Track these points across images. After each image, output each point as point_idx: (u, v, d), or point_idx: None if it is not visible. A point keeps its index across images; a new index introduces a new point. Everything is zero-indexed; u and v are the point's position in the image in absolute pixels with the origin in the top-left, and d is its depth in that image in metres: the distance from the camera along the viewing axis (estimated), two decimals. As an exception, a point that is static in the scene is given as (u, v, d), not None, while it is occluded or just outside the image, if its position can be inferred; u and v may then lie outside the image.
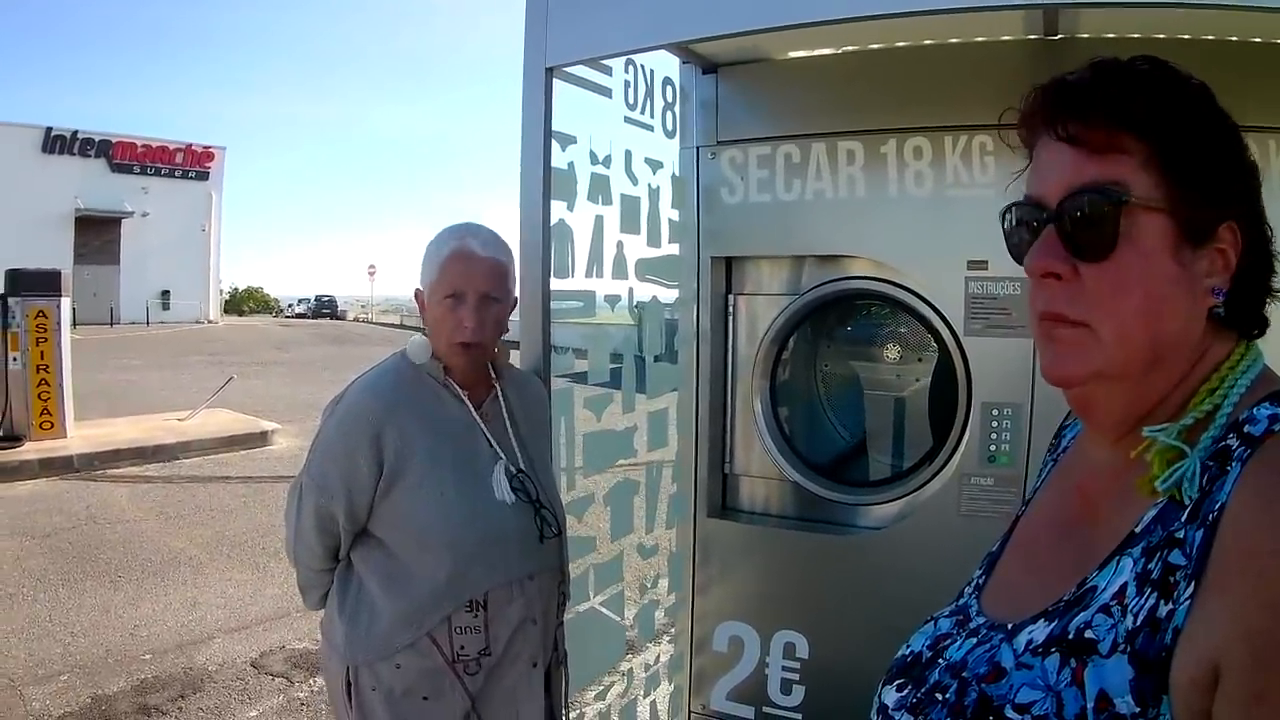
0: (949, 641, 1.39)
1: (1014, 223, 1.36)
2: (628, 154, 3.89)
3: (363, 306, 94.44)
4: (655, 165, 4.08)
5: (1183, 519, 1.13)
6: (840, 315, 4.46)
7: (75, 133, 61.47)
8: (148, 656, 7.21)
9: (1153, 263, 1.23)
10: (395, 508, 2.84)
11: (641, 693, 4.54)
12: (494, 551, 2.86)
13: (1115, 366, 1.25)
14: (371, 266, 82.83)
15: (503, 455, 2.97)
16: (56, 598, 8.59)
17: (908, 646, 1.48)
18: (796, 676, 4.02)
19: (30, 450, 14.62)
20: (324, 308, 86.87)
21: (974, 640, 1.35)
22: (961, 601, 1.50)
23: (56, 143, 60.61)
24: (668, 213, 4.19)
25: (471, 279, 2.86)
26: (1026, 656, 1.21)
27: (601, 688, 4.48)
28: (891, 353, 4.35)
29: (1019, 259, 1.34)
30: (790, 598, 4.07)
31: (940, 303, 3.70)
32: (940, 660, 1.36)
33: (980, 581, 1.52)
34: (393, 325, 67.04)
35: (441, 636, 2.81)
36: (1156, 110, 1.23)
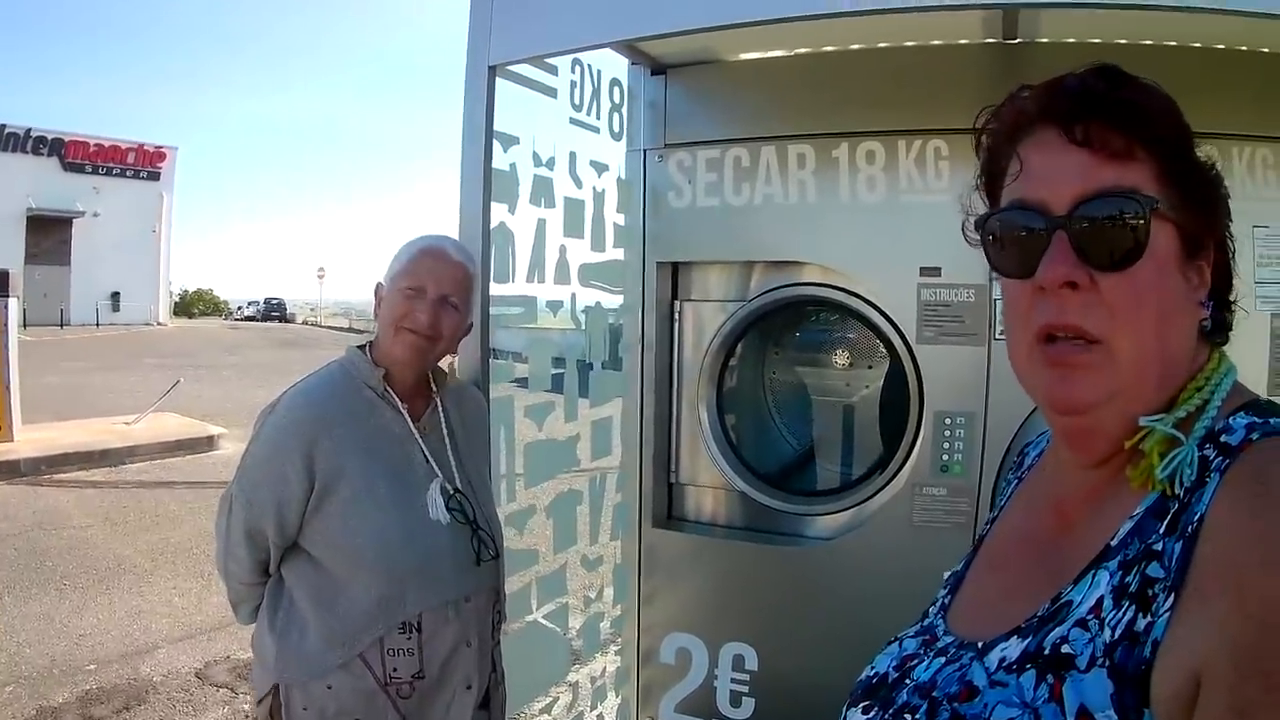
0: (915, 662, 1.35)
1: (1003, 231, 1.29)
2: (572, 156, 3.84)
3: (312, 309, 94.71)
4: (600, 168, 4.02)
5: (1161, 531, 1.10)
6: (789, 322, 4.40)
7: (29, 130, 60.99)
8: (92, 667, 7.11)
9: (1166, 275, 1.21)
10: (326, 524, 2.75)
11: (589, 705, 4.50)
12: (429, 573, 2.79)
13: (1130, 385, 1.21)
14: (320, 269, 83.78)
15: (439, 473, 2.89)
16: (2, 607, 8.49)
17: (872, 668, 1.42)
18: (746, 688, 3.95)
19: None
20: (273, 310, 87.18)
21: (943, 659, 1.30)
22: (927, 622, 1.46)
23: (10, 140, 60.08)
24: (613, 217, 4.12)
25: (437, 278, 2.83)
26: (1000, 674, 1.17)
27: (548, 700, 4.41)
28: (841, 359, 4.30)
29: (1006, 270, 1.28)
30: (738, 609, 4.00)
31: (892, 310, 3.64)
32: (907, 681, 1.31)
33: (945, 601, 1.48)
34: (341, 329, 66.85)
35: (374, 658, 2.73)
36: (1169, 123, 1.22)
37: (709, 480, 4.23)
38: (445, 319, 2.83)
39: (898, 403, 3.71)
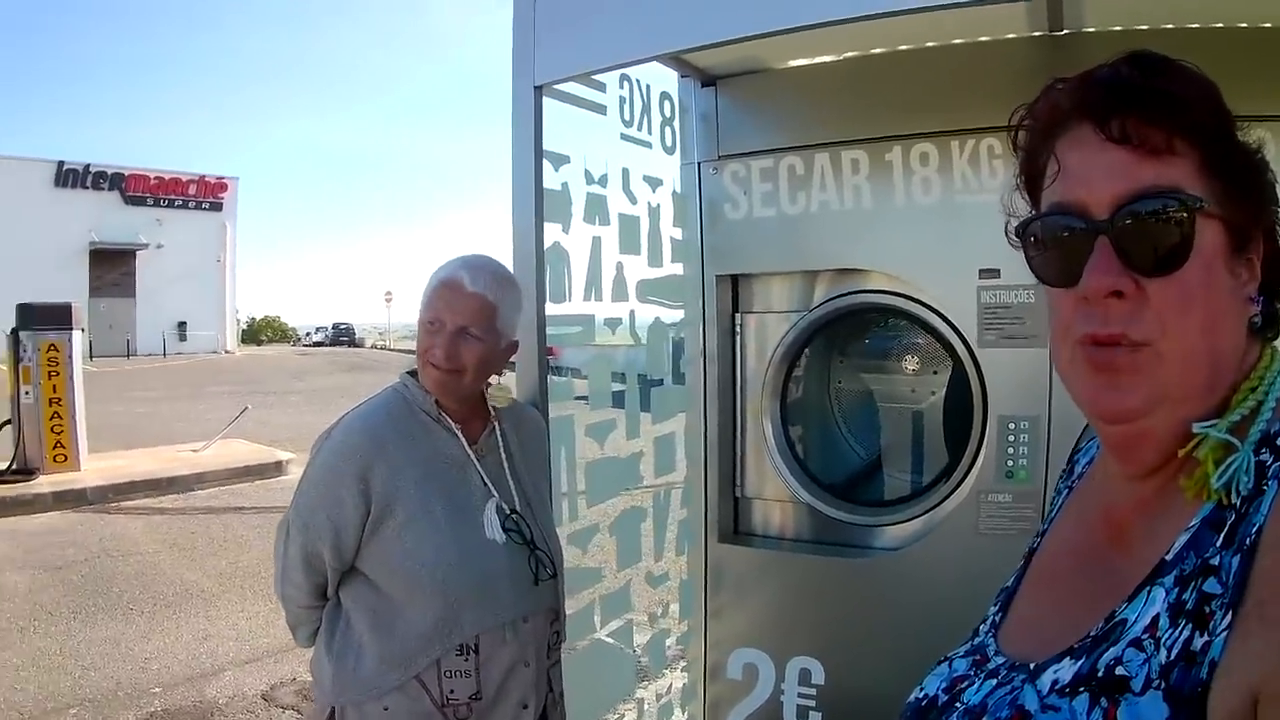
0: (966, 684, 1.29)
1: (1043, 235, 1.24)
2: (625, 172, 3.86)
3: (380, 333, 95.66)
4: (654, 183, 4.04)
5: (1218, 544, 1.05)
6: (853, 329, 4.37)
7: (88, 166, 62.33)
8: (158, 690, 7.19)
9: (1214, 274, 1.15)
10: (383, 547, 2.77)
11: (654, 722, 4.43)
12: (486, 594, 2.78)
13: (1178, 390, 1.15)
14: (388, 293, 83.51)
15: (495, 493, 2.89)
16: (68, 631, 8.59)
17: (921, 689, 1.37)
18: (813, 703, 3.90)
19: (44, 483, 14.64)
20: (341, 335, 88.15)
21: (993, 681, 1.24)
22: (977, 640, 1.40)
23: (69, 177, 61.49)
24: (669, 231, 4.13)
25: (451, 310, 2.80)
26: (1052, 698, 1.11)
27: (614, 717, 4.38)
28: (908, 365, 4.25)
29: (1047, 277, 1.23)
30: (805, 623, 3.96)
31: (952, 314, 3.59)
32: (958, 704, 1.26)
33: (996, 619, 1.42)
34: (410, 352, 67.47)
35: (430, 679, 2.73)
36: (1208, 109, 1.17)
37: (774, 493, 4.20)
38: (465, 351, 2.80)
39: (961, 408, 3.67)
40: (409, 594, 2.75)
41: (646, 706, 4.50)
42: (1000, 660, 1.29)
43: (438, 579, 2.72)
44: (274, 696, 7.01)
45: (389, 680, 2.72)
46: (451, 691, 2.74)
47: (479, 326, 2.81)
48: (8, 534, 12.43)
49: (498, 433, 3.00)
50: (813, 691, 3.90)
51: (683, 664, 4.80)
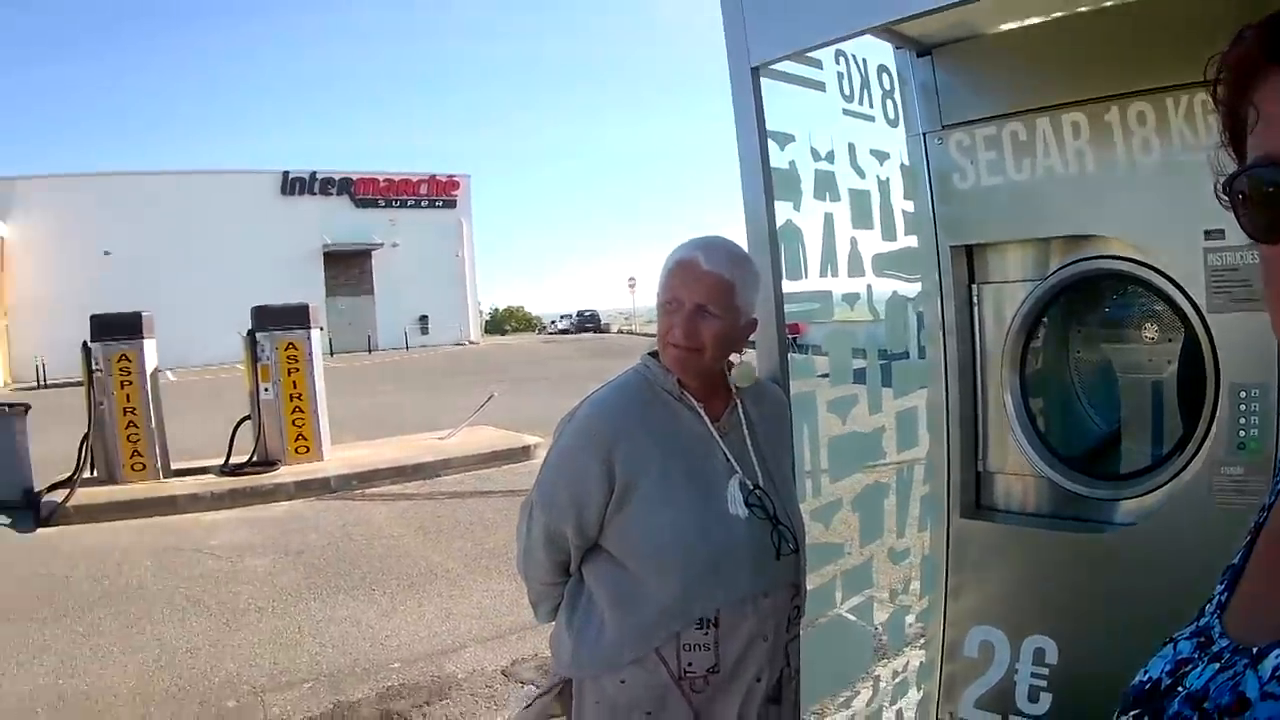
0: (1190, 667, 1.25)
1: (1249, 191, 1.20)
2: (851, 147, 3.85)
3: (625, 318, 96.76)
4: (882, 156, 4.02)
5: None
6: (1088, 297, 4.23)
7: (314, 174, 66.46)
8: (396, 665, 7.49)
9: None
10: (626, 524, 2.82)
11: (888, 700, 4.48)
12: (727, 569, 2.79)
13: None
14: (631, 278, 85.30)
15: (739, 469, 2.89)
16: (307, 611, 9.06)
17: (1145, 672, 1.34)
18: (1045, 683, 3.84)
19: (286, 473, 15.63)
20: (587, 322, 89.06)
21: (1216, 665, 1.21)
22: (1203, 621, 1.35)
23: (295, 184, 65.68)
24: (901, 204, 4.10)
25: (689, 289, 2.81)
26: (1273, 685, 1.07)
27: (848, 695, 4.38)
28: (1147, 332, 4.08)
29: (1257, 234, 1.20)
30: (1042, 600, 3.91)
31: (1181, 278, 3.45)
32: (1180, 689, 1.23)
33: (1223, 599, 1.37)
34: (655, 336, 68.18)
35: (669, 653, 2.77)
36: None
37: (1016, 467, 4.14)
38: (704, 328, 2.81)
39: (1194, 376, 3.53)
40: (651, 570, 2.80)
41: (882, 684, 4.53)
42: (1225, 643, 1.25)
43: (680, 555, 2.76)
44: (514, 672, 7.18)
45: (628, 654, 2.78)
46: (689, 665, 2.77)
47: (716, 304, 2.82)
48: (249, 521, 13.22)
49: (740, 410, 3.01)
50: (1045, 671, 3.84)
51: (921, 641, 4.76)
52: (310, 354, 16.73)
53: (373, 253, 66.61)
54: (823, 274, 3.70)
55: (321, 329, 17.87)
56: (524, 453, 17.08)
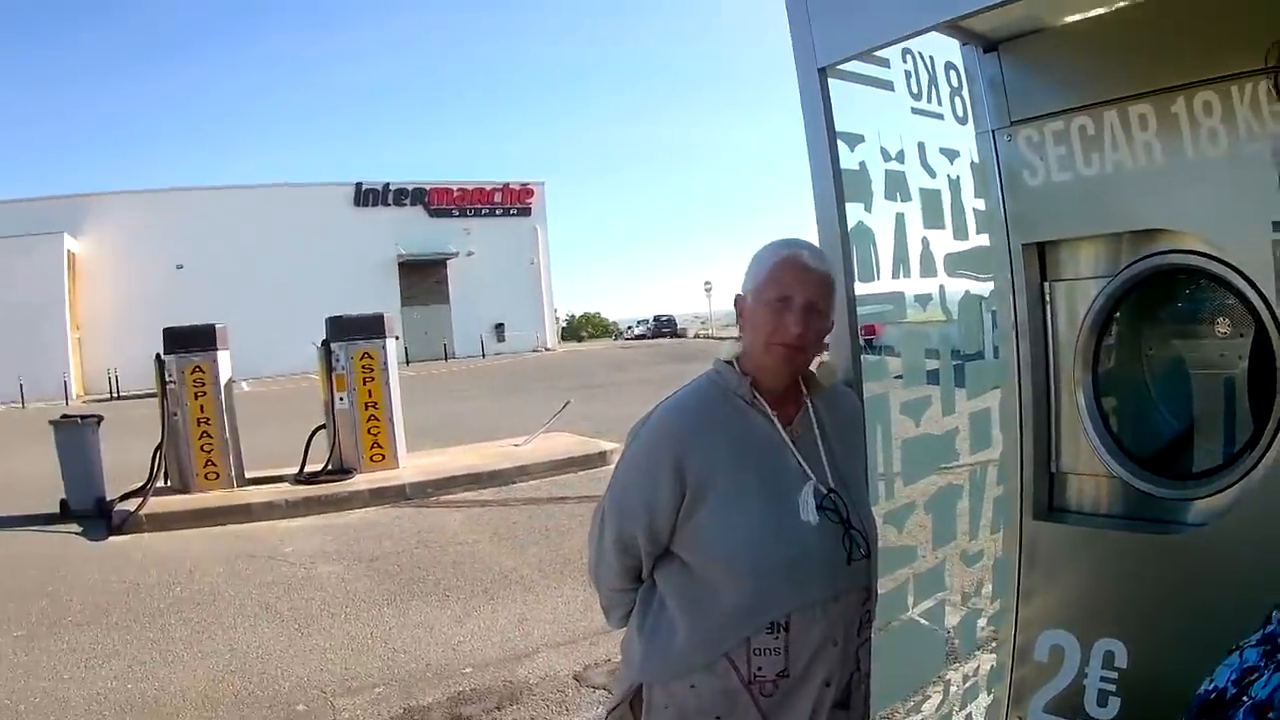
0: (1255, 676, 1.23)
1: None
2: (920, 146, 3.82)
3: (702, 323, 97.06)
4: (951, 154, 3.98)
5: None
6: (1160, 293, 4.13)
7: (387, 185, 67.90)
8: (468, 670, 7.56)
9: None
10: (698, 530, 2.82)
11: (958, 705, 4.45)
12: (799, 574, 2.78)
13: None
14: (708, 282, 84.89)
15: (812, 475, 2.88)
16: (380, 617, 9.17)
17: (1211, 681, 1.31)
18: (1113, 687, 3.77)
19: (361, 481, 15.85)
20: (663, 327, 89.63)
21: None
22: (1269, 629, 1.32)
23: (369, 196, 67.17)
24: (971, 202, 4.06)
25: (803, 286, 2.80)
26: None
27: (917, 700, 4.36)
28: (1220, 328, 3.98)
29: None
30: (1113, 603, 3.84)
31: (1251, 270, 3.38)
32: (1245, 698, 1.19)
33: None
34: (734, 339, 68.73)
35: (739, 657, 2.77)
36: None
37: (1088, 468, 4.08)
38: (813, 326, 2.81)
39: (1266, 372, 3.46)
40: (722, 575, 2.79)
41: (953, 689, 4.50)
42: None
43: (751, 560, 2.75)
44: (585, 677, 7.21)
45: (698, 659, 2.79)
46: (759, 669, 2.77)
47: (823, 302, 2.85)
48: (323, 529, 13.44)
49: (812, 412, 3.00)
50: (1114, 675, 3.78)
51: (992, 645, 4.75)
52: (385, 363, 17.01)
53: (448, 261, 67.58)
54: (895, 275, 3.67)
55: (397, 338, 18.21)
56: (600, 459, 17.09)
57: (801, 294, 2.78)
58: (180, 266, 58.69)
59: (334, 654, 8.12)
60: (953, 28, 3.79)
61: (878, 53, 3.53)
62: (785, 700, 2.79)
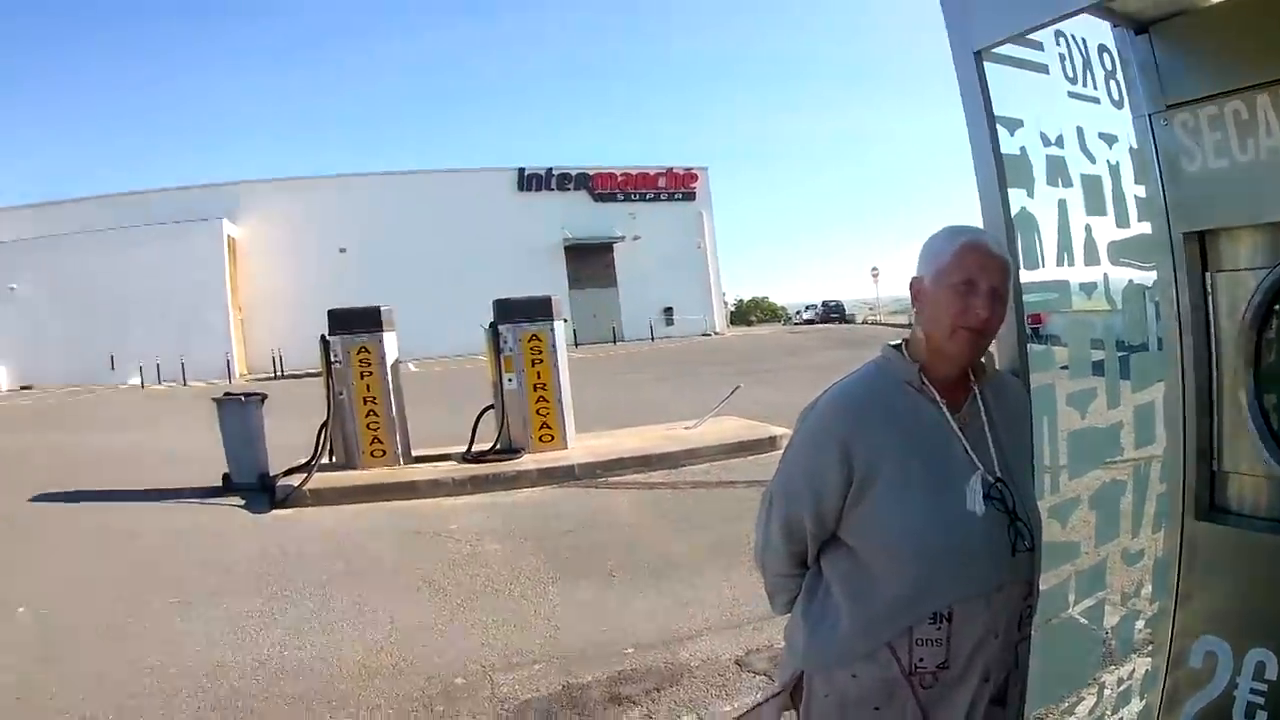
0: None
1: None
2: (1079, 131, 3.78)
3: (870, 308, 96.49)
4: (1110, 139, 3.92)
5: None
6: None
7: (550, 170, 69.11)
8: (630, 650, 7.64)
9: None
10: (864, 516, 2.85)
11: (1110, 709, 4.37)
12: (962, 563, 2.79)
13: None
14: (875, 268, 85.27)
15: (980, 465, 2.89)
16: (544, 595, 9.34)
17: None
18: (1262, 700, 3.60)
19: (529, 461, 16.16)
20: (832, 312, 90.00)
21: None
22: None
23: (531, 181, 68.45)
24: (1132, 189, 3.98)
25: (987, 271, 2.81)
26: None
27: (1071, 701, 4.34)
28: None
29: None
30: (1269, 610, 3.66)
31: None
32: None
33: None
34: (901, 326, 65.18)
35: (901, 647, 2.79)
36: None
37: (1249, 467, 3.87)
38: (997, 311, 2.83)
39: None
40: (887, 563, 2.82)
41: (1106, 692, 4.43)
42: None
43: (915, 548, 2.77)
44: (747, 662, 7.20)
45: (861, 647, 2.82)
46: (920, 660, 2.79)
47: (1004, 288, 2.86)
48: (490, 507, 13.72)
49: (979, 400, 3.01)
50: (1264, 687, 3.60)
51: (1148, 648, 4.58)
52: (554, 345, 17.24)
53: (614, 245, 68.46)
54: (1059, 263, 3.65)
55: (565, 320, 18.51)
56: (769, 443, 16.92)
57: (986, 279, 2.79)
58: (343, 250, 60.76)
59: (496, 630, 8.27)
60: (1102, 10, 3.69)
61: (1031, 35, 3.51)
62: (944, 693, 2.82)
